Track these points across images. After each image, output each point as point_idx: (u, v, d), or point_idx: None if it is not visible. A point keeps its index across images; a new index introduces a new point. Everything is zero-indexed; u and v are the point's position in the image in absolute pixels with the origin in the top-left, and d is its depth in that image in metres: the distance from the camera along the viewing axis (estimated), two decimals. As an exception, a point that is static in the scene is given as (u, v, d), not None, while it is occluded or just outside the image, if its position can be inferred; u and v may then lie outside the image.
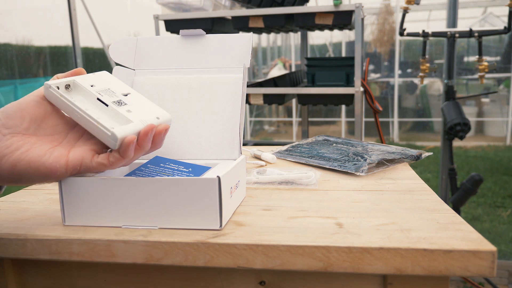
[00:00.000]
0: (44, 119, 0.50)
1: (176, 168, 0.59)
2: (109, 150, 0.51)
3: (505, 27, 1.84)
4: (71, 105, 0.50)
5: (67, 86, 0.52)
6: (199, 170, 0.58)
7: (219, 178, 0.47)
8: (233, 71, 0.66)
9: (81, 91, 0.53)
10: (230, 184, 0.52)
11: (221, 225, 0.49)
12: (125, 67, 0.69)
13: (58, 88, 0.50)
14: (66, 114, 0.52)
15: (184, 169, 0.59)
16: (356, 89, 1.73)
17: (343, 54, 6.29)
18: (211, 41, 0.68)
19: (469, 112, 5.87)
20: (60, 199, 0.51)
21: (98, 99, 0.52)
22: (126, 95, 0.54)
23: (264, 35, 6.76)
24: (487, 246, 0.43)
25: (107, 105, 0.51)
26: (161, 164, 0.60)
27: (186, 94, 0.67)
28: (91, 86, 0.53)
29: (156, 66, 0.69)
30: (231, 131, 0.63)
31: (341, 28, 1.98)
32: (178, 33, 1.99)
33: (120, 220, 0.51)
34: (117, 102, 0.52)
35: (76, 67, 2.66)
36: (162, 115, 0.54)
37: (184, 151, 0.64)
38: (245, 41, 0.64)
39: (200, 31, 0.67)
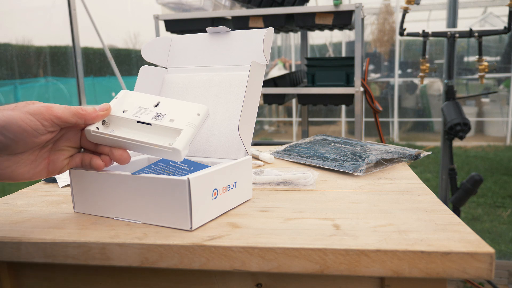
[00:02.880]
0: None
1: (179, 167, 0.61)
2: (81, 150, 0.55)
3: (505, 27, 1.84)
4: (120, 139, 0.52)
5: (103, 122, 0.54)
6: (199, 169, 0.58)
7: (188, 179, 0.48)
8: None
9: (119, 121, 0.54)
10: (213, 186, 0.52)
11: (191, 226, 0.49)
12: (155, 65, 0.71)
13: (98, 128, 0.52)
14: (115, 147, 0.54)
15: (186, 168, 0.60)
16: (356, 89, 1.72)
17: (343, 54, 6.29)
18: (234, 37, 0.68)
19: (469, 112, 5.86)
20: (71, 188, 0.57)
21: (138, 121, 0.53)
22: (157, 105, 0.55)
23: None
24: (485, 248, 0.42)
25: (150, 124, 0.53)
26: (170, 162, 0.62)
27: (206, 92, 0.67)
28: (123, 112, 0.54)
29: (185, 64, 0.71)
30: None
31: (341, 28, 1.97)
32: (178, 33, 2.00)
33: (113, 212, 0.54)
34: (156, 117, 0.53)
35: (76, 67, 2.65)
36: (200, 110, 0.54)
37: (196, 149, 0.65)
38: (264, 36, 0.63)
39: (225, 28, 0.68)
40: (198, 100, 0.67)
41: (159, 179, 0.49)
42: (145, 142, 0.51)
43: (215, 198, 0.53)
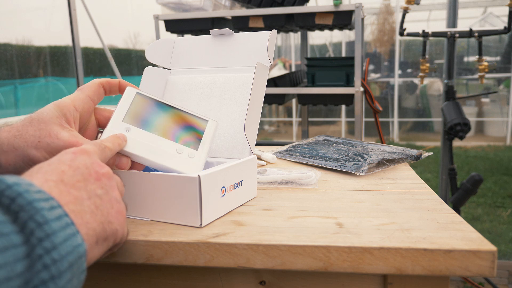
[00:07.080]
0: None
1: None
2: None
3: (505, 27, 1.84)
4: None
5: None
6: (205, 167, 0.59)
7: (199, 177, 0.48)
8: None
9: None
10: (221, 183, 0.52)
11: (201, 223, 0.49)
12: (158, 67, 0.71)
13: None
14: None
15: None
16: (356, 89, 1.73)
17: (343, 54, 6.29)
18: (237, 39, 0.68)
19: (469, 112, 5.87)
20: None
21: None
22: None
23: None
24: (487, 246, 0.43)
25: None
26: None
27: (210, 93, 0.68)
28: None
29: (189, 66, 0.71)
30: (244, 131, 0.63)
31: (341, 28, 1.98)
32: (178, 33, 2.00)
33: None
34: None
35: (76, 67, 2.66)
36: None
37: None
38: (268, 38, 0.64)
39: (228, 30, 0.68)
40: (204, 101, 0.68)
41: (169, 176, 0.49)
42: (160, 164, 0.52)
43: (223, 196, 0.53)
